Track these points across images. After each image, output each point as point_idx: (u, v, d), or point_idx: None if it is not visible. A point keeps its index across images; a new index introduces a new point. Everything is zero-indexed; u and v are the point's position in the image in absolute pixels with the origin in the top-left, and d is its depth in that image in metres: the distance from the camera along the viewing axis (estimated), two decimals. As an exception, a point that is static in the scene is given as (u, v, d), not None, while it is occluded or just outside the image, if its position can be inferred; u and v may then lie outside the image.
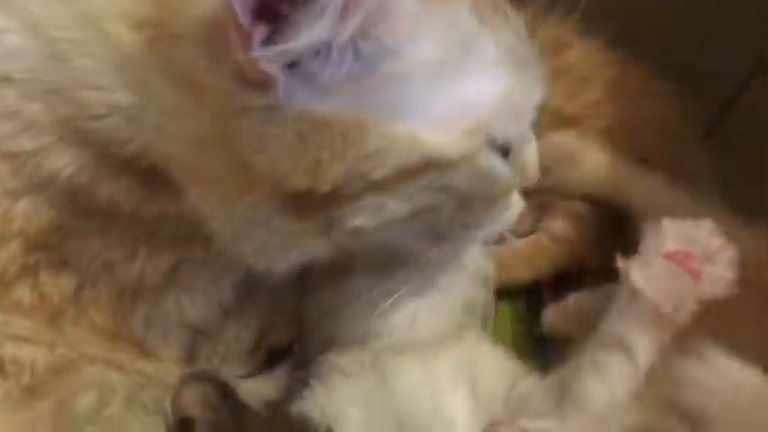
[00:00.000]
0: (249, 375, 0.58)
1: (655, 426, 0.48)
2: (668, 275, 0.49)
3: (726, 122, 0.76)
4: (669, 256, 0.49)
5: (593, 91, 0.68)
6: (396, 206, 0.43)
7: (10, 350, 0.48)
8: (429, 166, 0.42)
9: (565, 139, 0.66)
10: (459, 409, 0.52)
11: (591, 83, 0.68)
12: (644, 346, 0.48)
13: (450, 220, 0.47)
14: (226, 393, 0.51)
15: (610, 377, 0.49)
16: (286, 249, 0.46)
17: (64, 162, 0.44)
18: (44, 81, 0.44)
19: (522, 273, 0.66)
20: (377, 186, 0.41)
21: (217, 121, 0.40)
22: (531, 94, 0.47)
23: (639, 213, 0.61)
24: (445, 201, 0.45)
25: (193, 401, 0.50)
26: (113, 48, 0.42)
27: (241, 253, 0.46)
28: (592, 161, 0.66)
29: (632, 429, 0.48)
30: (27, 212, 0.46)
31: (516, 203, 0.51)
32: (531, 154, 0.51)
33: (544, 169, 0.61)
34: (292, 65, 0.38)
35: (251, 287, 0.55)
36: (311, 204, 0.41)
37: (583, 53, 0.69)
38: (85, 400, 0.48)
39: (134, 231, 0.47)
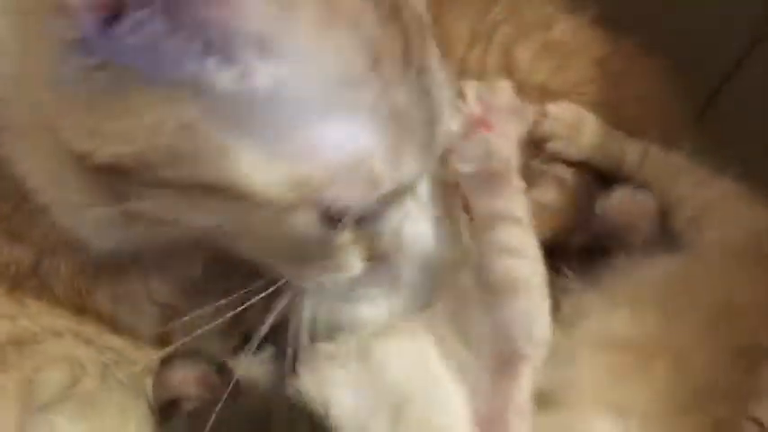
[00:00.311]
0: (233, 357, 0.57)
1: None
2: (472, 142, 0.53)
3: (722, 99, 0.74)
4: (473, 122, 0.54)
5: (581, 69, 0.67)
6: (190, 214, 0.38)
7: None
8: (232, 194, 0.36)
9: (567, 111, 0.66)
10: (451, 382, 0.51)
11: (578, 60, 0.67)
12: (519, 206, 0.51)
13: (256, 259, 0.43)
14: (221, 371, 0.50)
15: (510, 244, 0.50)
16: (86, 215, 0.41)
17: None
18: None
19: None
20: (170, 186, 0.36)
21: (29, 53, 0.37)
22: (404, 165, 0.39)
23: (631, 178, 0.63)
24: (245, 236, 0.41)
25: (184, 380, 0.49)
26: None
27: (60, 221, 0.43)
28: (589, 130, 0.66)
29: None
30: None
31: (352, 268, 0.45)
32: (393, 232, 0.44)
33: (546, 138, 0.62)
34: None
35: (223, 267, 0.52)
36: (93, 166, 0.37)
37: (571, 29, 0.68)
38: (54, 377, 0.47)
39: None
